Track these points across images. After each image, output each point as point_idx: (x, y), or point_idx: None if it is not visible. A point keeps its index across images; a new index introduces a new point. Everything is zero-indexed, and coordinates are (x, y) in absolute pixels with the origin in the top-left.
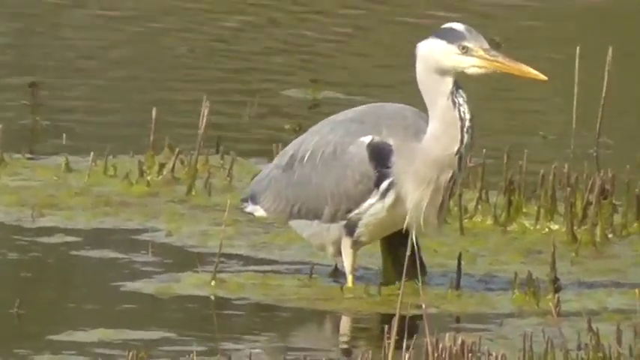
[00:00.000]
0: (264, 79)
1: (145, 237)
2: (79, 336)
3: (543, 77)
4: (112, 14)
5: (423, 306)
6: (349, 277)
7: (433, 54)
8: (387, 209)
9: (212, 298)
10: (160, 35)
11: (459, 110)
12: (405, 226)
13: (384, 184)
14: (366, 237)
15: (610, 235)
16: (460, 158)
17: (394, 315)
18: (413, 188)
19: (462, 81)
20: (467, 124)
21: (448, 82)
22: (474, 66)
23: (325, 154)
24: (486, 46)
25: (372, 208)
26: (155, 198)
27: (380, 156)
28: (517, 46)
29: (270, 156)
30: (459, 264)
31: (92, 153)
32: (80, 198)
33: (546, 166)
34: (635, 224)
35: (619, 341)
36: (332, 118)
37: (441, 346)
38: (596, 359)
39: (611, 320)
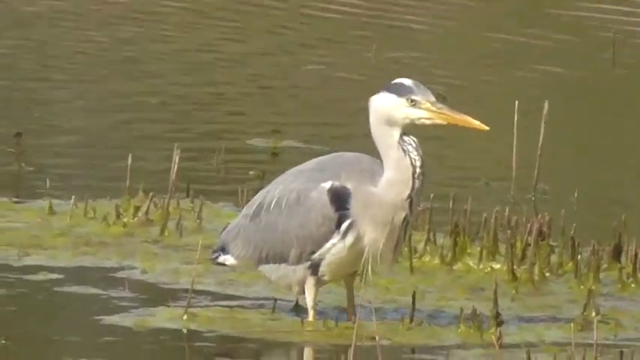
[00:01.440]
0: (230, 130)
1: (121, 274)
2: None
3: (485, 127)
4: (88, 72)
5: (377, 338)
6: (311, 312)
7: (384, 107)
8: (348, 248)
9: (184, 330)
10: (133, 90)
11: (410, 157)
12: (362, 262)
13: (345, 225)
14: (329, 275)
15: (547, 274)
16: (411, 202)
17: (350, 346)
18: (370, 229)
19: (412, 131)
20: (417, 170)
21: (396, 133)
22: (421, 118)
23: (290, 200)
24: (433, 99)
25: (334, 248)
26: (131, 238)
27: (339, 199)
28: (462, 99)
29: (235, 200)
30: (414, 301)
31: (73, 197)
32: (62, 238)
33: (488, 210)
34: (570, 264)
35: None
36: (294, 168)
37: None
38: None
39: (548, 352)
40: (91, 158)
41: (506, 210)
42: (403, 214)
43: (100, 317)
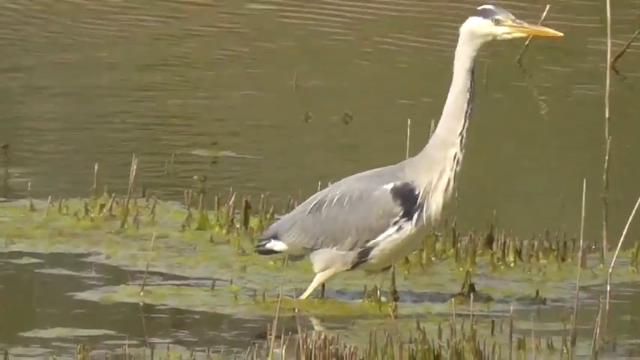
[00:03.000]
0: (177, 142)
1: (89, 259)
2: (42, 333)
3: (560, 34)
4: (62, 92)
5: (297, 310)
6: (309, 291)
7: (473, 27)
8: (410, 231)
9: (141, 304)
10: (98, 114)
11: (469, 93)
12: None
13: (416, 215)
14: (377, 259)
15: (433, 258)
16: (462, 139)
17: (274, 317)
18: (424, 171)
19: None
20: (469, 111)
21: (475, 49)
22: (504, 33)
23: (353, 197)
24: (513, 17)
25: (389, 237)
26: (97, 230)
27: (402, 194)
28: (366, 122)
29: (182, 199)
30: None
31: (50, 197)
32: (41, 230)
33: None
34: (452, 250)
35: (440, 337)
36: (354, 175)
37: (309, 340)
38: (422, 350)
39: (434, 321)
40: (65, 165)
41: None
42: (454, 151)
43: (73, 293)
